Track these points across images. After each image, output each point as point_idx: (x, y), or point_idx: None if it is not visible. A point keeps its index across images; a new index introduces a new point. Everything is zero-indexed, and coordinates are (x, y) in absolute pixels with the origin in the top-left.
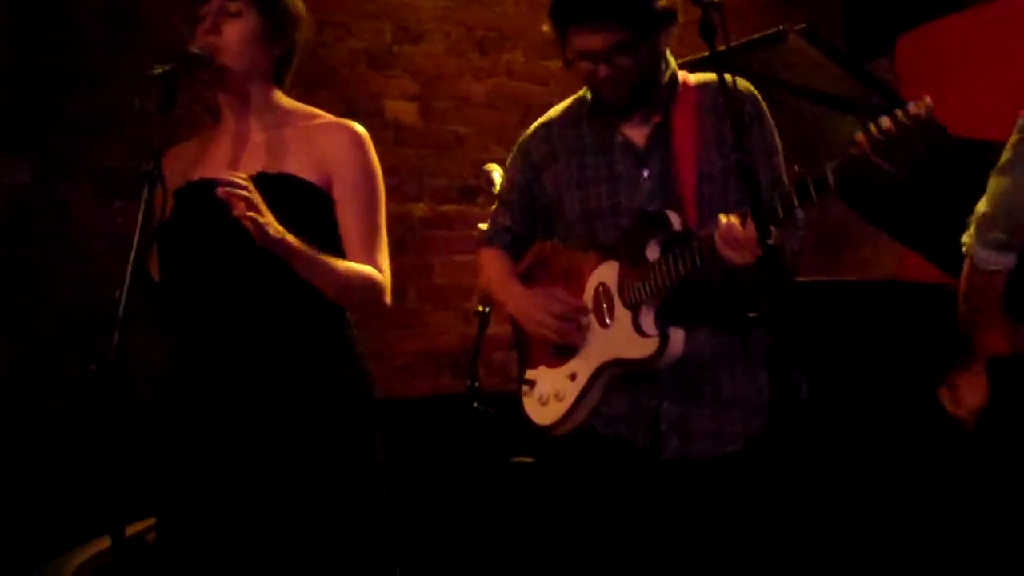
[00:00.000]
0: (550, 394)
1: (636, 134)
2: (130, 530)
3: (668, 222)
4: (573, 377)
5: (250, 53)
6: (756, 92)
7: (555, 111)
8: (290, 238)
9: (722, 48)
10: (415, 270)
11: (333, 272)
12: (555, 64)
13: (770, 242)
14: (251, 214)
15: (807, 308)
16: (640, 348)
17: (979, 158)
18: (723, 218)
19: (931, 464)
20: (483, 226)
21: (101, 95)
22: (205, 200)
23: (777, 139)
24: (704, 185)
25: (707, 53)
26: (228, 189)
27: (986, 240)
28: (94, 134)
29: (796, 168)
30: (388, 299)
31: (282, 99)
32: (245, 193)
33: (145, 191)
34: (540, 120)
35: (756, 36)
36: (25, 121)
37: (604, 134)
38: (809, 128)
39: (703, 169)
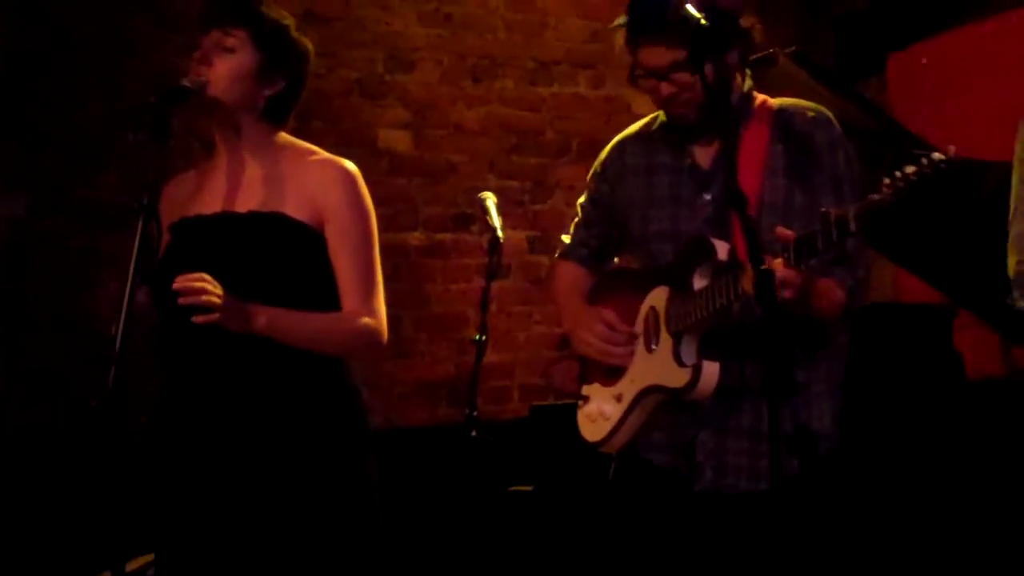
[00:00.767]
0: (598, 412)
1: (704, 156)
2: (130, 566)
3: (714, 251)
4: (619, 398)
5: (240, 88)
6: (831, 117)
7: (632, 128)
8: (258, 320)
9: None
10: (411, 299)
11: (314, 334)
12: (547, 91)
13: (763, 268)
14: (204, 318)
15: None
16: (675, 377)
17: (971, 178)
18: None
19: (951, 493)
20: (565, 238)
21: (95, 125)
22: (199, 236)
23: (853, 167)
24: (765, 215)
25: None
26: (188, 299)
27: None
28: (89, 165)
29: (823, 209)
30: (384, 341)
31: (277, 135)
32: (204, 297)
33: (140, 225)
34: (618, 136)
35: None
36: (19, 154)
37: (676, 155)
38: None
39: (765, 198)
